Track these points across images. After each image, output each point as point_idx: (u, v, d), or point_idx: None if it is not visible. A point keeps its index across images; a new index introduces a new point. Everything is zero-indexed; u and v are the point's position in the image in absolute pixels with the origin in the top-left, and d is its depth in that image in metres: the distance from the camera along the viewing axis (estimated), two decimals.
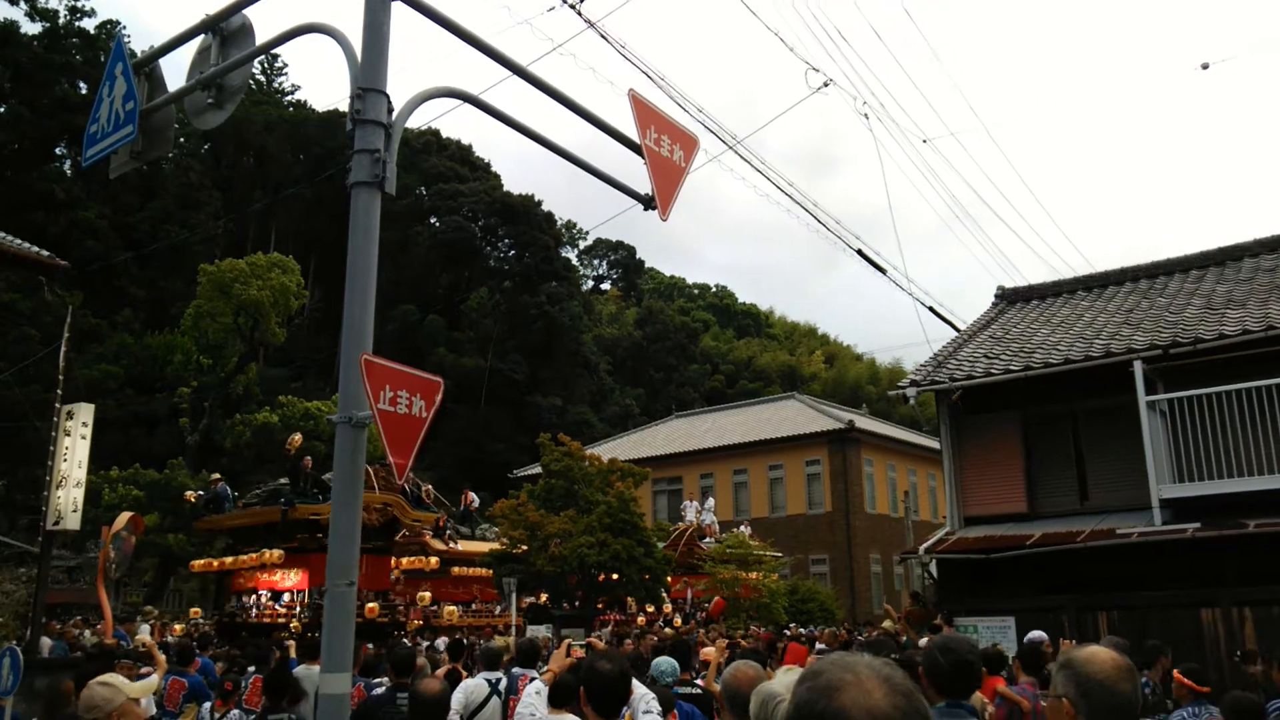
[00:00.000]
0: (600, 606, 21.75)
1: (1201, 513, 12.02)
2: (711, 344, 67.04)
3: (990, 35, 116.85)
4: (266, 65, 55.83)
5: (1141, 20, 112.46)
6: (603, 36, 8.75)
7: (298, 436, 20.54)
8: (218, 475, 22.80)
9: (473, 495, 27.33)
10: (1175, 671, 6.08)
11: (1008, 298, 18.57)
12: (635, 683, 5.23)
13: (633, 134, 5.52)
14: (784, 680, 2.11)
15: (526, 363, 50.04)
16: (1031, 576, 12.97)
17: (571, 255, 63.49)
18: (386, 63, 4.33)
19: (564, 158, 5.28)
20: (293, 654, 10.67)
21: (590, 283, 68.91)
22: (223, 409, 40.00)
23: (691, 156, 5.98)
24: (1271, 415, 11.76)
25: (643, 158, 5.52)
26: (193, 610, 23.28)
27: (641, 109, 5.57)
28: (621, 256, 70.88)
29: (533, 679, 5.30)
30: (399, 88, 3.82)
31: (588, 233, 65.46)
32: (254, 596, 20.95)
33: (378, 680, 7.83)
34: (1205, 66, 15.66)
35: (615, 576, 20.69)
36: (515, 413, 47.82)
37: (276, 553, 19.05)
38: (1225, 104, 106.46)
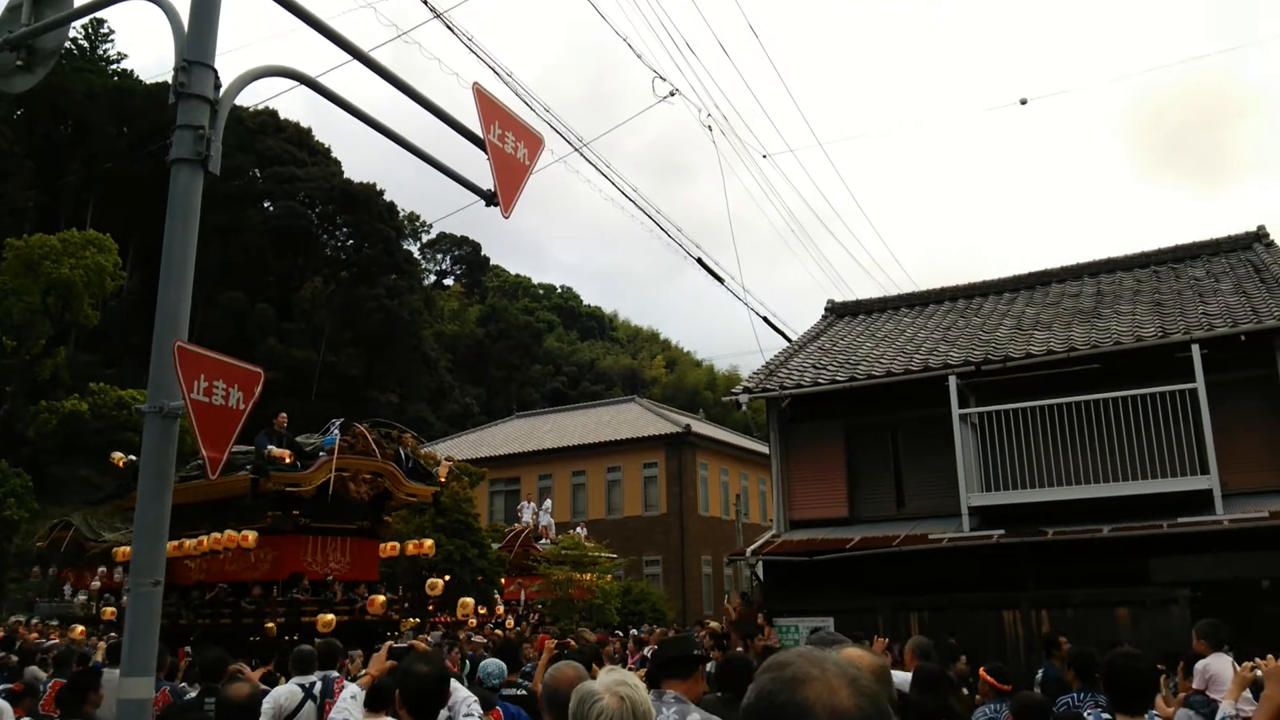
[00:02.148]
0: (431, 609, 21.37)
1: (1006, 520, 12.84)
2: (555, 345, 67.01)
3: (831, 59, 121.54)
4: (90, 30, 52.20)
5: (972, 54, 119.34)
6: (449, 27, 8.61)
7: (282, 416, 15.79)
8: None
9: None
10: (981, 670, 6.41)
11: (837, 311, 19.34)
12: (456, 685, 5.16)
13: (477, 128, 5.46)
14: (604, 680, 2.13)
15: (363, 357, 48.65)
16: (851, 578, 13.53)
17: (414, 248, 62.10)
18: (215, 36, 4.12)
19: (403, 146, 5.17)
20: (99, 657, 10.02)
21: (432, 277, 67.65)
22: (26, 395, 37.14)
23: (536, 155, 5.95)
24: (1070, 431, 12.68)
25: (486, 153, 5.47)
26: (108, 610, 17.53)
27: (486, 104, 5.51)
28: (466, 252, 69.93)
29: (347, 684, 5.15)
30: (234, 64, 3.66)
31: (431, 226, 64.19)
32: (200, 592, 16.06)
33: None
34: (1024, 101, 16.75)
35: (447, 578, 20.38)
36: (349, 408, 46.20)
37: (249, 534, 14.21)
38: (1041, 137, 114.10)
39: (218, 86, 4.04)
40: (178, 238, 3.82)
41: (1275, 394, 12.37)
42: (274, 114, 52.34)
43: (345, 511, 15.28)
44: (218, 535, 14.44)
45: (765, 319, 16.34)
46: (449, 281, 69.50)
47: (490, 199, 5.45)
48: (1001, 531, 12.59)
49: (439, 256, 70.32)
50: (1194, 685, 6.48)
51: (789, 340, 18.20)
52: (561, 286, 79.77)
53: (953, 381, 13.28)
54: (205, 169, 3.91)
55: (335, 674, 6.43)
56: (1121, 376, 12.65)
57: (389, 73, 5.01)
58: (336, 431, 15.49)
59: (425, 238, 66.62)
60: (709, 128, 11.85)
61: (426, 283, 63.87)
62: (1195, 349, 12.09)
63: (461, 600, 18.28)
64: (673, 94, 10.05)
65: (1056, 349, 13.18)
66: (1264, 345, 12.34)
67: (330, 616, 13.64)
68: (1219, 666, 6.46)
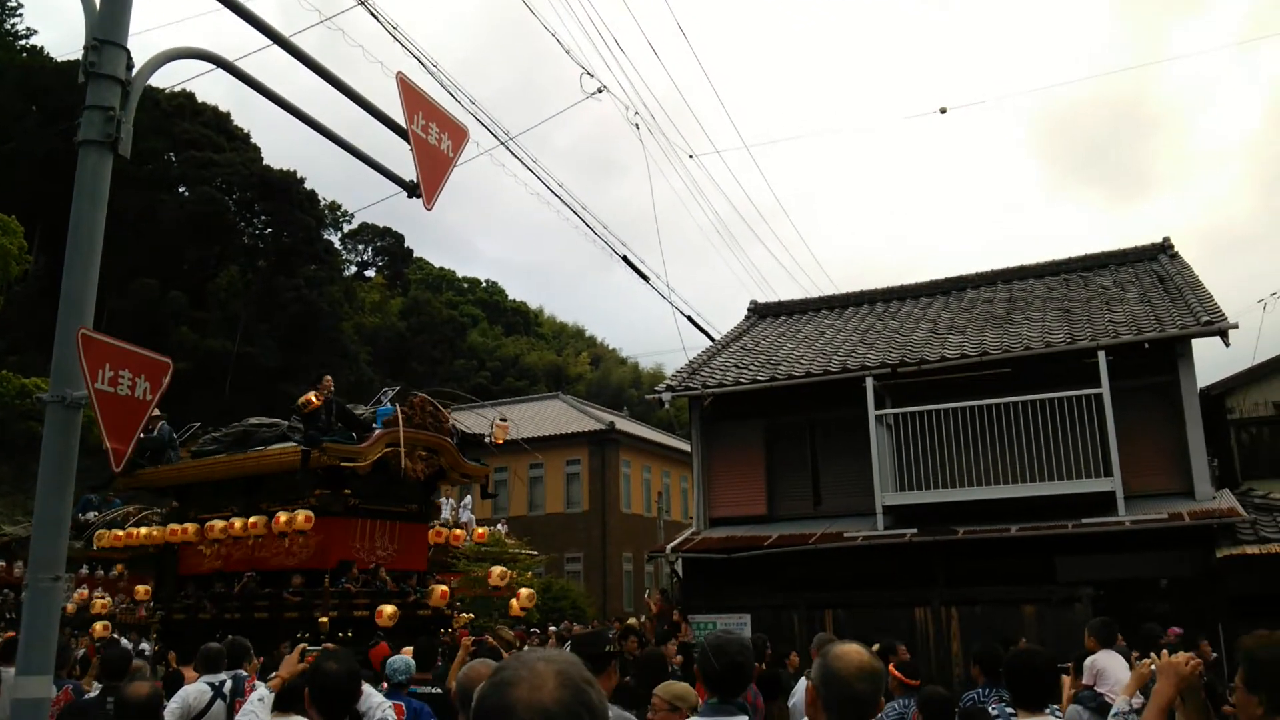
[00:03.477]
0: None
1: (919, 519, 13.14)
2: (479, 339, 66.40)
3: (757, 64, 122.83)
4: None
5: (894, 63, 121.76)
6: (373, 15, 8.48)
7: (328, 379, 13.55)
8: (155, 410, 15.65)
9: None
10: (889, 665, 6.55)
11: (759, 312, 19.56)
12: (371, 690, 5.10)
13: (400, 118, 5.39)
14: None
15: (279, 348, 47.57)
16: (769, 576, 13.71)
17: (335, 238, 60.90)
18: (129, 14, 4.00)
19: (324, 134, 5.08)
20: None
21: (353, 269, 66.42)
22: None
23: (460, 147, 5.91)
24: (982, 433, 13.03)
25: (409, 144, 5.41)
26: (99, 601, 15.23)
27: (410, 94, 5.45)
28: (389, 243, 68.82)
29: (257, 683, 5.05)
30: (151, 45, 3.55)
31: (353, 216, 63.04)
32: (225, 583, 13.37)
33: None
34: (943, 110, 17.15)
35: None
36: (264, 401, 45.18)
37: (302, 515, 12.02)
38: (959, 146, 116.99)
39: (130, 67, 3.93)
40: (84, 222, 3.70)
41: (1175, 400, 12.88)
42: (191, 96, 50.84)
43: (396, 492, 13.48)
44: (255, 519, 12.47)
45: (689, 318, 16.44)
46: (371, 273, 68.36)
47: (413, 190, 5.40)
48: (914, 530, 12.88)
49: (361, 247, 69.09)
50: (1083, 681, 6.72)
51: (712, 339, 18.36)
52: (487, 281, 79.03)
53: (869, 383, 13.54)
54: (115, 151, 3.80)
55: (244, 673, 6.30)
56: (1031, 381, 13.04)
57: (310, 59, 4.92)
58: (390, 401, 13.85)
59: (347, 228, 65.39)
60: (636, 126, 11.89)
61: (347, 274, 62.74)
62: (1101, 355, 12.53)
63: None
64: (600, 91, 10.06)
65: (970, 353, 13.53)
66: (1166, 353, 12.84)
67: (393, 608, 11.95)
68: (1105, 662, 6.71)
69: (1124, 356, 12.69)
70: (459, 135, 5.80)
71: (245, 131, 55.00)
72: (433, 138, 5.54)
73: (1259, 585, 11.63)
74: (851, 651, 2.20)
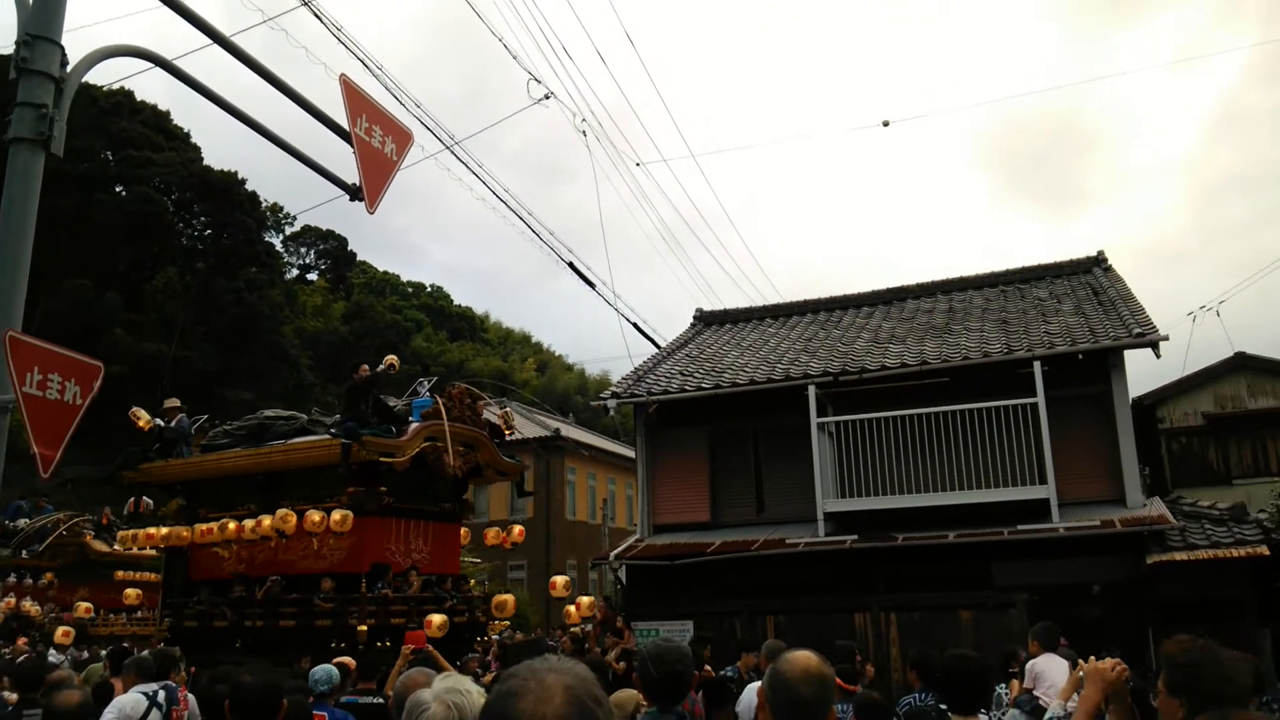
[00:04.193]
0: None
1: (860, 526, 13.30)
2: (423, 345, 65.77)
3: (704, 73, 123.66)
4: None
5: (839, 75, 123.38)
6: (316, 15, 8.39)
7: (364, 366, 12.53)
8: (176, 401, 14.09)
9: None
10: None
11: (705, 320, 19.67)
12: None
13: (344, 121, 5.34)
14: (436, 687, 2.12)
15: (218, 352, 46.68)
16: (711, 582, 13.76)
17: (276, 241, 59.89)
18: (63, 9, 3.92)
19: (264, 136, 5.02)
20: None
21: (295, 271, 65.39)
22: None
23: (404, 151, 5.87)
24: (921, 441, 13.24)
25: (352, 146, 5.36)
26: (32, 609, 14.11)
27: (353, 96, 5.41)
28: (332, 246, 67.87)
29: (190, 693, 4.95)
30: (88, 41, 3.48)
31: (295, 218, 62.09)
32: (245, 588, 12.09)
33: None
34: (886, 124, 17.43)
35: None
36: (202, 405, 44.31)
37: (339, 514, 10.88)
38: (902, 158, 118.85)
39: (64, 63, 3.84)
40: (14, 221, 3.61)
41: (1108, 410, 13.21)
42: (129, 94, 49.74)
43: (429, 490, 12.53)
44: (282, 515, 11.16)
45: (635, 325, 16.50)
46: (313, 276, 67.38)
47: (355, 193, 5.36)
48: (855, 537, 13.03)
49: (303, 250, 68.06)
50: (1024, 685, 6.86)
51: (658, 347, 18.42)
52: (432, 285, 78.31)
53: (812, 391, 13.68)
54: (48, 150, 3.71)
55: (174, 684, 6.17)
56: (970, 390, 13.28)
57: (251, 59, 4.86)
58: (427, 392, 12.91)
59: (289, 230, 64.38)
60: (584, 133, 11.89)
61: (289, 277, 61.76)
62: (1037, 366, 12.80)
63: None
64: (547, 97, 10.06)
65: (910, 362, 13.75)
66: (1099, 364, 13.16)
67: (443, 617, 10.94)
68: (1044, 666, 6.85)
69: (1059, 367, 12.99)
70: (403, 139, 5.76)
71: (185, 131, 53.95)
72: (376, 141, 5.50)
73: (1187, 591, 11.96)
74: (799, 657, 2.23)
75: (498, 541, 13.66)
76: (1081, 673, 3.01)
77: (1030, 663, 7.09)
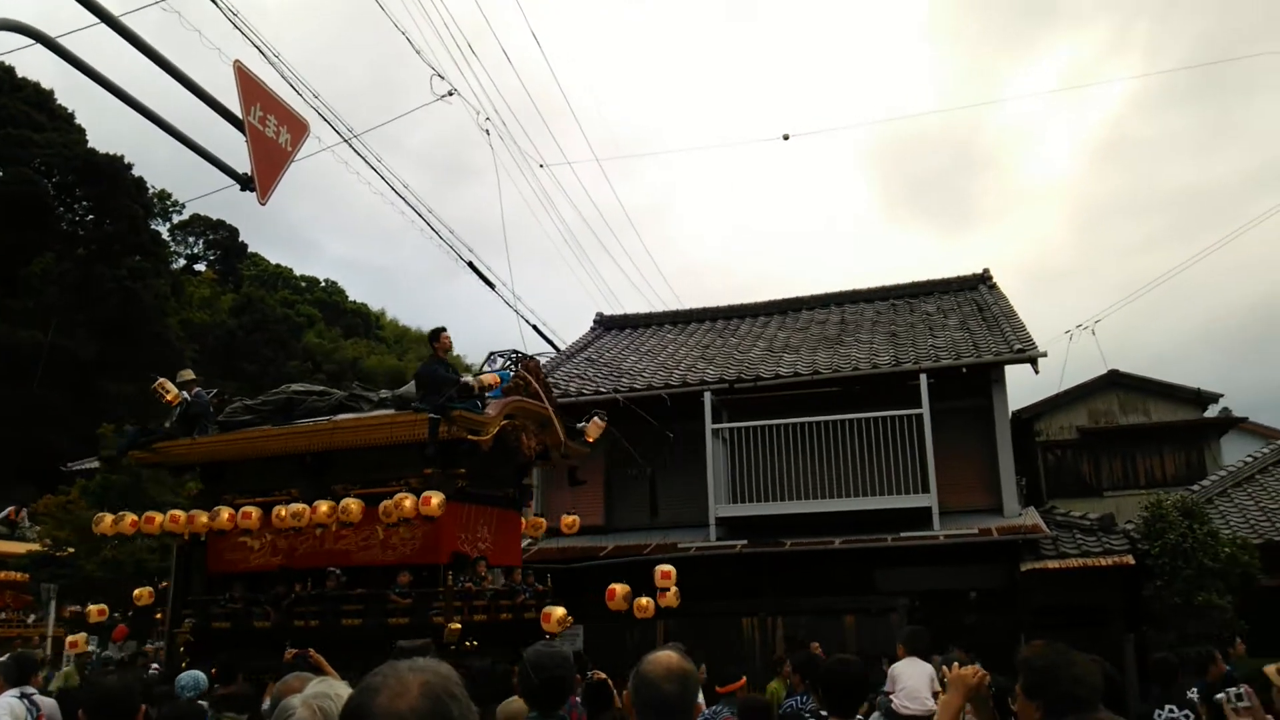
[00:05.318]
0: (158, 617, 19.86)
1: (750, 531, 13.51)
2: (316, 341, 64.15)
3: (611, 79, 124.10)
4: None
5: (743, 87, 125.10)
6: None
7: (446, 335, 10.73)
8: (190, 372, 12.12)
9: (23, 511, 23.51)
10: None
11: (604, 324, 19.72)
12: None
13: (237, 108, 5.21)
14: (306, 692, 2.09)
15: (97, 342, 44.70)
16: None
17: (163, 229, 57.63)
18: None
19: (152, 120, 4.85)
20: None
21: (182, 261, 63.15)
22: None
23: (300, 141, 5.74)
24: (811, 448, 13.53)
25: (244, 135, 5.23)
26: (94, 608, 11.53)
27: (248, 84, 5.27)
28: (222, 237, 65.74)
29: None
30: None
31: (184, 206, 59.87)
32: (287, 582, 10.31)
33: None
34: (786, 137, 17.76)
35: (164, 584, 19.02)
36: (79, 398, 42.43)
37: (436, 498, 9.07)
38: (802, 170, 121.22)
39: None
40: None
41: (989, 423, 13.72)
42: (10, 70, 47.29)
43: (493, 474, 11.07)
44: (400, 498, 9.35)
45: (535, 327, 16.39)
46: (201, 267, 65.13)
47: (247, 183, 5.22)
48: (744, 542, 13.23)
49: (191, 240, 65.76)
50: (884, 688, 7.07)
51: (558, 350, 18.36)
52: (326, 280, 76.44)
53: (708, 398, 13.86)
54: None
55: (32, 689, 5.93)
56: (859, 400, 13.64)
57: (141, 41, 4.70)
58: (506, 364, 11.41)
59: (177, 219, 62.04)
60: (487, 132, 11.79)
61: (175, 266, 59.55)
62: (923, 378, 13.23)
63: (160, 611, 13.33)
64: (451, 94, 9.96)
65: (802, 371, 14.04)
66: (982, 378, 13.67)
67: (562, 610, 9.92)
68: (901, 670, 7.05)
69: (944, 380, 13.44)
70: (299, 129, 5.64)
71: (69, 111, 51.63)
72: (270, 130, 5.37)
73: (1058, 597, 12.50)
74: (661, 656, 2.25)
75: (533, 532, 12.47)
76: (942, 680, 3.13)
77: (891, 667, 7.29)
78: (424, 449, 9.60)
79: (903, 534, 12.71)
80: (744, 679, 7.35)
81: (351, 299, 77.71)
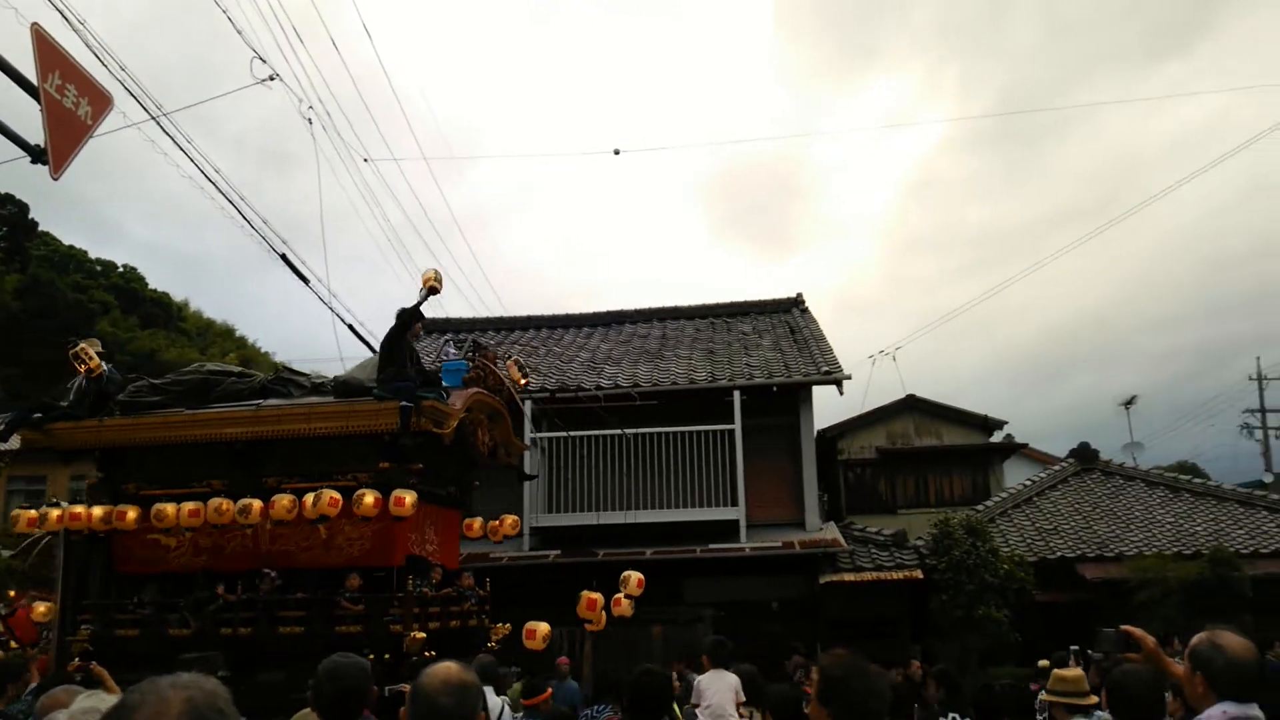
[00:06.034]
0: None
1: (567, 541, 13.53)
2: (110, 330, 59.89)
3: (444, 79, 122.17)
4: None
5: (580, 98, 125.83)
6: None
7: (419, 326, 9.80)
8: (98, 343, 10.16)
9: None
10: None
11: (425, 328, 19.31)
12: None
13: (32, 75, 4.83)
14: (73, 707, 1.98)
15: None
16: None
17: None
18: None
19: None
20: None
21: None
22: None
23: (102, 115, 5.39)
24: (628, 460, 13.71)
25: (39, 104, 4.86)
26: None
27: (46, 49, 4.91)
28: (10, 212, 60.46)
29: None
30: None
31: None
32: (209, 585, 8.92)
33: None
34: (617, 152, 18.00)
35: None
36: None
37: (410, 497, 8.20)
38: (631, 186, 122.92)
39: None
40: None
41: (796, 440, 14.28)
42: None
43: (441, 471, 9.96)
44: (309, 497, 8.14)
45: (350, 327, 15.85)
46: None
47: (39, 156, 4.85)
48: (558, 551, 13.25)
49: None
50: (692, 700, 7.24)
51: (374, 351, 17.83)
52: (125, 266, 71.51)
53: (528, 407, 13.79)
54: None
55: None
56: (677, 414, 13.92)
57: None
58: (459, 354, 10.51)
59: None
60: (309, 121, 11.33)
61: None
62: (736, 395, 13.66)
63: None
64: (272, 78, 9.52)
65: (623, 384, 14.22)
66: (791, 397, 14.23)
67: (546, 627, 9.08)
68: (708, 683, 7.21)
69: (756, 397, 13.91)
70: (101, 102, 5.29)
71: None
72: (69, 101, 5.02)
73: (853, 609, 13.14)
74: (439, 668, 2.20)
75: (483, 534, 11.16)
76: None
77: (698, 680, 7.45)
78: (376, 441, 8.73)
79: (711, 545, 13.05)
80: (550, 691, 7.42)
81: (152, 287, 73.06)
